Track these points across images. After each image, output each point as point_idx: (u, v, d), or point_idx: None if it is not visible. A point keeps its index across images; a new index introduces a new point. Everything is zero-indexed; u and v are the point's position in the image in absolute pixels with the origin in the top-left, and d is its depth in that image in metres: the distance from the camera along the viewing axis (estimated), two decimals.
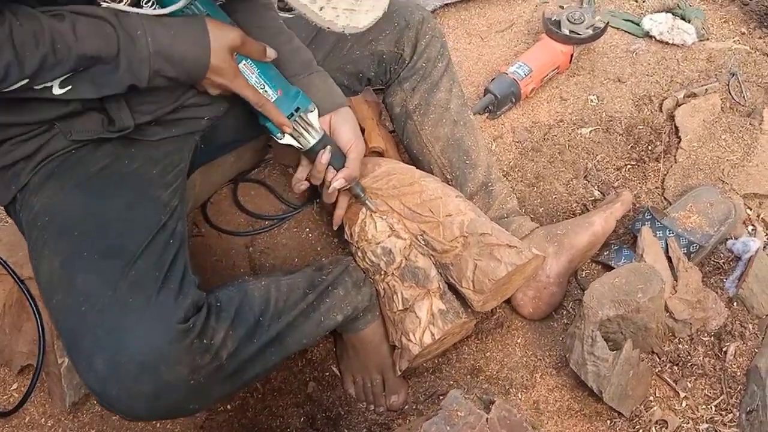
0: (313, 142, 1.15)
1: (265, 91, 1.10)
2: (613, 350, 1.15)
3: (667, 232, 1.38)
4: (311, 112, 1.14)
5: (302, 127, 1.14)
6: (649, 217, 1.41)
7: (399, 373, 1.26)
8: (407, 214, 1.26)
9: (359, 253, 1.28)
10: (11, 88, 0.89)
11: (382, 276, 1.26)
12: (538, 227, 1.38)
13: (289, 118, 1.12)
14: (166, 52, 0.95)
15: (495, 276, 1.20)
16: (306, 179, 1.22)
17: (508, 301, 1.37)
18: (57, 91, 0.94)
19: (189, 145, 1.14)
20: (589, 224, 1.37)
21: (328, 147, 1.16)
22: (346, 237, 1.31)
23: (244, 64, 1.07)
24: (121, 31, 0.92)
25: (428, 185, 1.28)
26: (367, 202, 1.25)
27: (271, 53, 1.09)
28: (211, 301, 0.98)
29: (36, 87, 0.92)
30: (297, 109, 1.12)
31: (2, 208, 1.11)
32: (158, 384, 0.88)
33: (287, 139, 1.15)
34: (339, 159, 1.18)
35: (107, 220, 0.98)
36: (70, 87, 0.94)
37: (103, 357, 0.87)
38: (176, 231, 1.02)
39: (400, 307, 1.24)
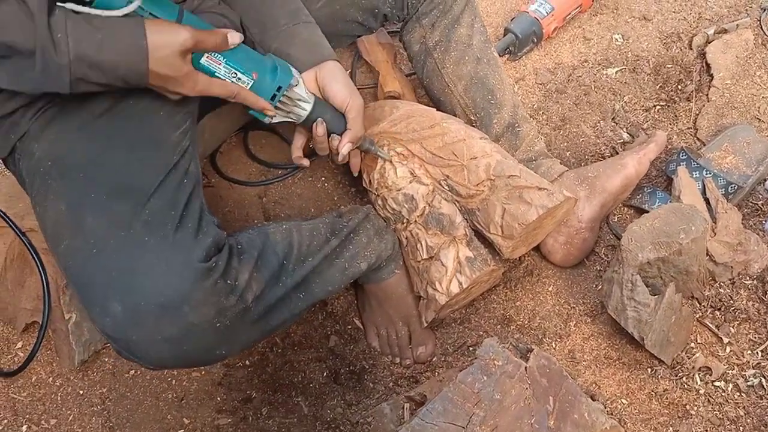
0: (305, 113, 1.04)
1: (239, 79, 0.96)
2: (653, 295, 1.09)
3: (704, 173, 1.31)
4: (296, 86, 1.02)
5: (290, 104, 1.03)
6: (684, 157, 1.34)
7: (425, 324, 1.21)
8: (429, 158, 1.20)
9: (379, 201, 1.21)
10: None
11: (404, 224, 1.20)
12: (567, 170, 1.31)
13: (272, 100, 1.00)
14: (92, 59, 0.83)
15: (525, 220, 1.14)
16: (304, 150, 1.14)
17: (537, 248, 1.30)
18: None
19: None
20: (621, 166, 1.30)
21: (320, 119, 1.05)
22: (364, 185, 1.24)
23: (207, 57, 0.93)
24: (41, 30, 0.79)
25: (450, 127, 1.21)
26: (379, 153, 1.17)
27: (234, 38, 0.93)
28: (231, 243, 0.93)
29: None
30: (279, 89, 1.00)
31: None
32: (183, 326, 0.83)
33: (278, 119, 1.04)
34: (339, 122, 1.07)
35: (114, 161, 0.92)
36: None
37: (119, 300, 0.82)
38: (189, 171, 0.96)
39: (425, 256, 1.18)
